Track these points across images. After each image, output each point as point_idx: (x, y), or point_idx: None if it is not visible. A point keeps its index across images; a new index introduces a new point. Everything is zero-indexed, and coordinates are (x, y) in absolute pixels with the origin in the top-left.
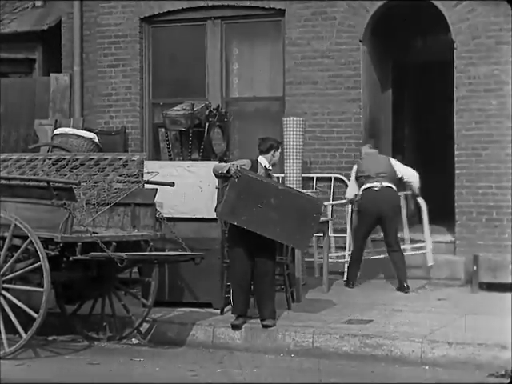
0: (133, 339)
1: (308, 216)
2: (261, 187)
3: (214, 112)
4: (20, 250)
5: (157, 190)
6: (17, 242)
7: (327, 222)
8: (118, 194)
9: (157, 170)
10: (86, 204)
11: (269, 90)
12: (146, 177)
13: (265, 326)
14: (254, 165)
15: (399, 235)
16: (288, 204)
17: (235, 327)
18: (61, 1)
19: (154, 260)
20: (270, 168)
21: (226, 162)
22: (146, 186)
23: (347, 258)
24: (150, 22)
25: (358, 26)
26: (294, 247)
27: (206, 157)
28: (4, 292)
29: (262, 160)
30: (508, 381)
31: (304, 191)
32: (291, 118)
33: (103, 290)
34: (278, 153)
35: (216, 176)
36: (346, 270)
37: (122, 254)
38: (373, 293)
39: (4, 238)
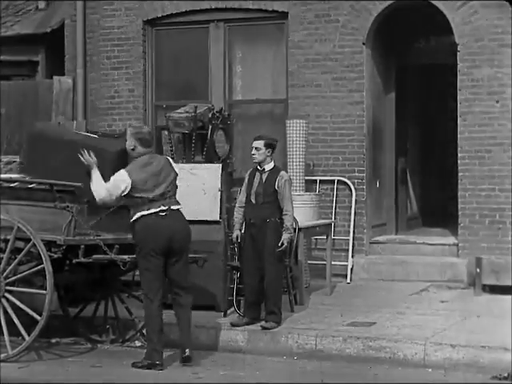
0: (136, 342)
1: None
2: None
3: (217, 114)
4: (23, 253)
5: None
6: (20, 244)
7: (330, 224)
8: None
9: None
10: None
11: (272, 92)
12: None
13: (263, 328)
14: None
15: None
16: None
17: (234, 325)
18: (64, 2)
19: None
20: (261, 167)
21: (228, 164)
22: None
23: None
24: (153, 25)
25: (361, 29)
26: None
27: (209, 159)
28: (7, 294)
29: None
30: (510, 383)
31: None
32: (294, 121)
33: (106, 292)
34: (253, 151)
35: None
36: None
37: (125, 256)
38: (376, 295)
39: (7, 241)
